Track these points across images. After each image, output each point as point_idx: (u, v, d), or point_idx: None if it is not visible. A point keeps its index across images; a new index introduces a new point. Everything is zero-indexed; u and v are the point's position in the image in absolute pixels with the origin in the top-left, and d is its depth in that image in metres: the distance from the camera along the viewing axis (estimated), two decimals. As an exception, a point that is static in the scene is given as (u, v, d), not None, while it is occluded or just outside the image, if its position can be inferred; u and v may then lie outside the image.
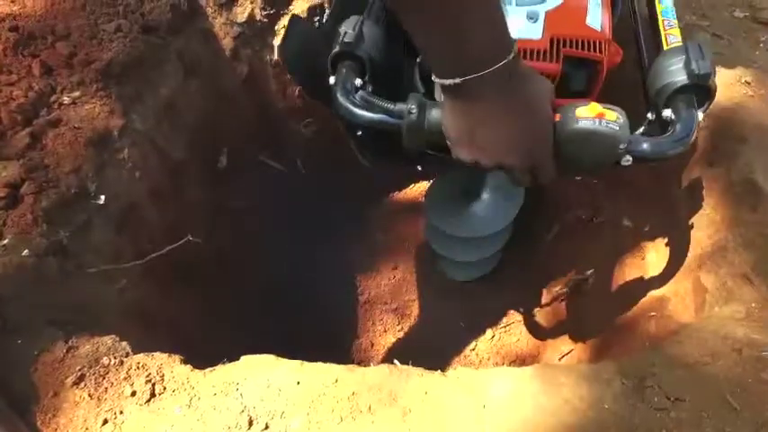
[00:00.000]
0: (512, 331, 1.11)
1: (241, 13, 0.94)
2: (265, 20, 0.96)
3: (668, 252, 0.82)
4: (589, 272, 1.01)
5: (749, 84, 0.81)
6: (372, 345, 1.24)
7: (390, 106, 0.55)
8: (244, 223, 1.12)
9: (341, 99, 0.57)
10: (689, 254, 0.77)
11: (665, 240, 0.84)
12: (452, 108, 0.46)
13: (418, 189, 1.36)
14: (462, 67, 0.41)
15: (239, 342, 0.75)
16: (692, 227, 0.78)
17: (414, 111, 0.51)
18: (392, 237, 1.31)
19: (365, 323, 1.26)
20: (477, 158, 0.48)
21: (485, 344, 1.12)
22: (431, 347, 1.18)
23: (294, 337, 1.05)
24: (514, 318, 1.12)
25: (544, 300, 1.09)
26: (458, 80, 0.41)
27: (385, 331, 1.25)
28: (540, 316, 1.10)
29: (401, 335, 1.23)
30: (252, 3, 0.94)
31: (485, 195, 0.93)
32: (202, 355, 0.56)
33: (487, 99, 0.43)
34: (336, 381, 0.51)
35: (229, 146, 1.03)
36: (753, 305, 0.61)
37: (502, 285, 1.14)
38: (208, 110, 0.97)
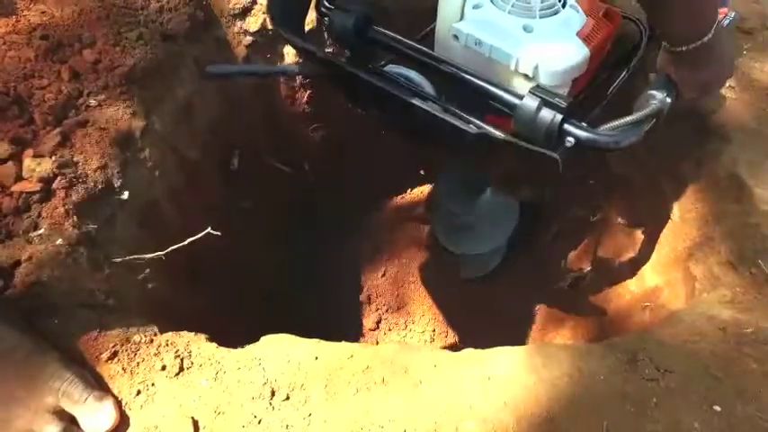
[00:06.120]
0: (512, 327, 1.15)
1: (254, 23, 0.99)
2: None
3: (660, 246, 0.87)
4: (587, 269, 1.06)
5: (733, 88, 0.86)
6: (377, 343, 1.27)
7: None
8: (252, 223, 1.16)
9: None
10: (679, 246, 0.81)
11: (658, 235, 0.88)
12: (688, 65, 0.62)
13: (418, 192, 1.40)
14: (702, 31, 0.58)
15: (245, 338, 0.79)
16: (681, 221, 0.82)
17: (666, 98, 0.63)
18: (396, 238, 1.35)
19: (369, 323, 1.30)
20: (705, 94, 0.69)
21: (486, 339, 1.16)
22: (434, 344, 1.22)
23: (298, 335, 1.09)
24: (515, 314, 1.16)
25: (544, 296, 1.13)
26: (698, 43, 0.59)
27: (389, 330, 1.28)
28: (540, 312, 1.14)
29: (405, 333, 1.27)
30: (264, 13, 0.99)
31: (485, 208, 0.99)
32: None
33: (716, 48, 0.60)
34: (352, 356, 0.55)
35: (240, 149, 1.08)
36: (737, 289, 0.65)
37: (503, 283, 1.18)
38: (221, 114, 1.01)
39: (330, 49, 0.90)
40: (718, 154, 0.79)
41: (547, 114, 0.57)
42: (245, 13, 0.99)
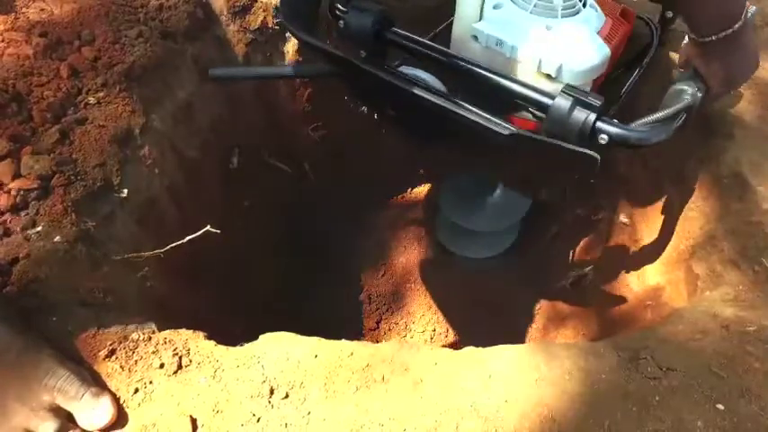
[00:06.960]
0: (513, 326, 1.14)
1: (254, 21, 0.99)
2: (277, 27, 1.00)
3: (662, 244, 0.86)
4: (588, 267, 1.05)
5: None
6: (377, 343, 1.26)
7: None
8: (251, 222, 1.16)
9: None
10: (681, 244, 0.81)
11: (660, 233, 0.88)
12: (718, 56, 0.62)
13: (419, 192, 1.40)
14: (733, 18, 0.58)
15: (244, 337, 0.78)
16: (683, 219, 0.82)
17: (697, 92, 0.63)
18: (396, 238, 1.35)
19: (369, 323, 1.29)
20: (733, 87, 0.68)
21: (487, 339, 1.15)
22: (434, 343, 1.21)
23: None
24: (516, 313, 1.16)
25: (545, 295, 1.13)
26: (729, 31, 0.58)
27: (389, 330, 1.28)
28: (542, 311, 1.13)
29: (405, 333, 1.26)
30: (264, 11, 0.99)
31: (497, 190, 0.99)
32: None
33: (745, 38, 0.60)
34: (351, 354, 0.55)
35: (240, 147, 1.08)
36: (740, 287, 0.65)
37: (504, 282, 1.17)
38: (221, 112, 1.01)
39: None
40: (720, 152, 0.79)
41: (580, 113, 0.57)
42: (245, 11, 0.99)
